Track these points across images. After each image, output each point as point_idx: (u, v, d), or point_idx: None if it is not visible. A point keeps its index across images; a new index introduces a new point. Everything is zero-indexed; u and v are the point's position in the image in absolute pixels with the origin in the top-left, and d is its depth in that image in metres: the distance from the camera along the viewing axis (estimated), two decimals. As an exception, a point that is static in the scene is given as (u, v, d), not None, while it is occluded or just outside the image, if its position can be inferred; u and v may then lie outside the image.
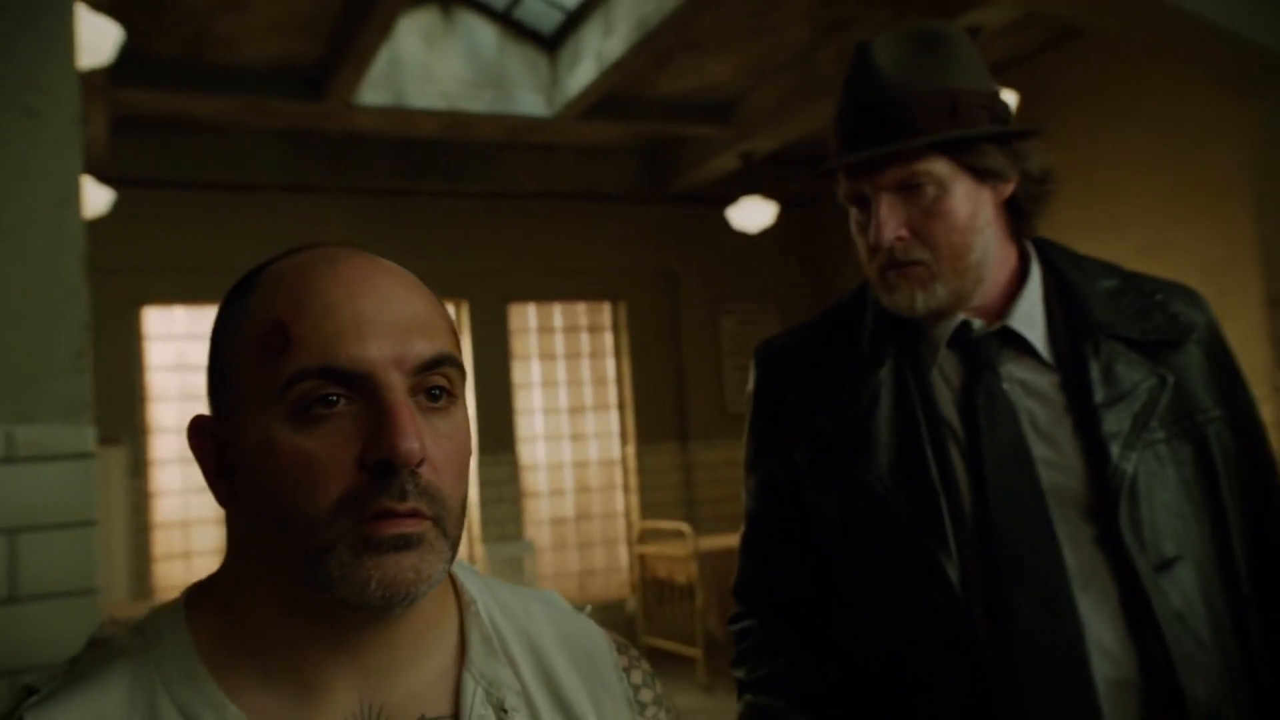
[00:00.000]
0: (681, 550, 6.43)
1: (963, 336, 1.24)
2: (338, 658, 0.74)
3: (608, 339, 8.25)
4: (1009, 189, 1.24)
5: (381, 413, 0.69)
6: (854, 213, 1.27)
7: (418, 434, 0.69)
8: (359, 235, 7.04)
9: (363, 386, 0.70)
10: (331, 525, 0.69)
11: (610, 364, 8.24)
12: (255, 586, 0.75)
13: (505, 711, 0.78)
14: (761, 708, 1.29)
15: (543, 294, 7.84)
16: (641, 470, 8.04)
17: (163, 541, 6.88)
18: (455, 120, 6.50)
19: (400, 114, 6.31)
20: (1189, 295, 1.29)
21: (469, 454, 0.75)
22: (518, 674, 0.81)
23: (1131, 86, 5.71)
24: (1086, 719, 1.11)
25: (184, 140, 6.60)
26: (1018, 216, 1.27)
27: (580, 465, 8.06)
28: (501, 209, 7.51)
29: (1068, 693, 1.12)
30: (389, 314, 0.72)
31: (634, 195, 7.89)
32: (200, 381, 6.95)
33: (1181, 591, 1.15)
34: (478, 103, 6.25)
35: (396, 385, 0.71)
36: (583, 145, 7.52)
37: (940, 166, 1.19)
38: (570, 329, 8.12)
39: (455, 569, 0.83)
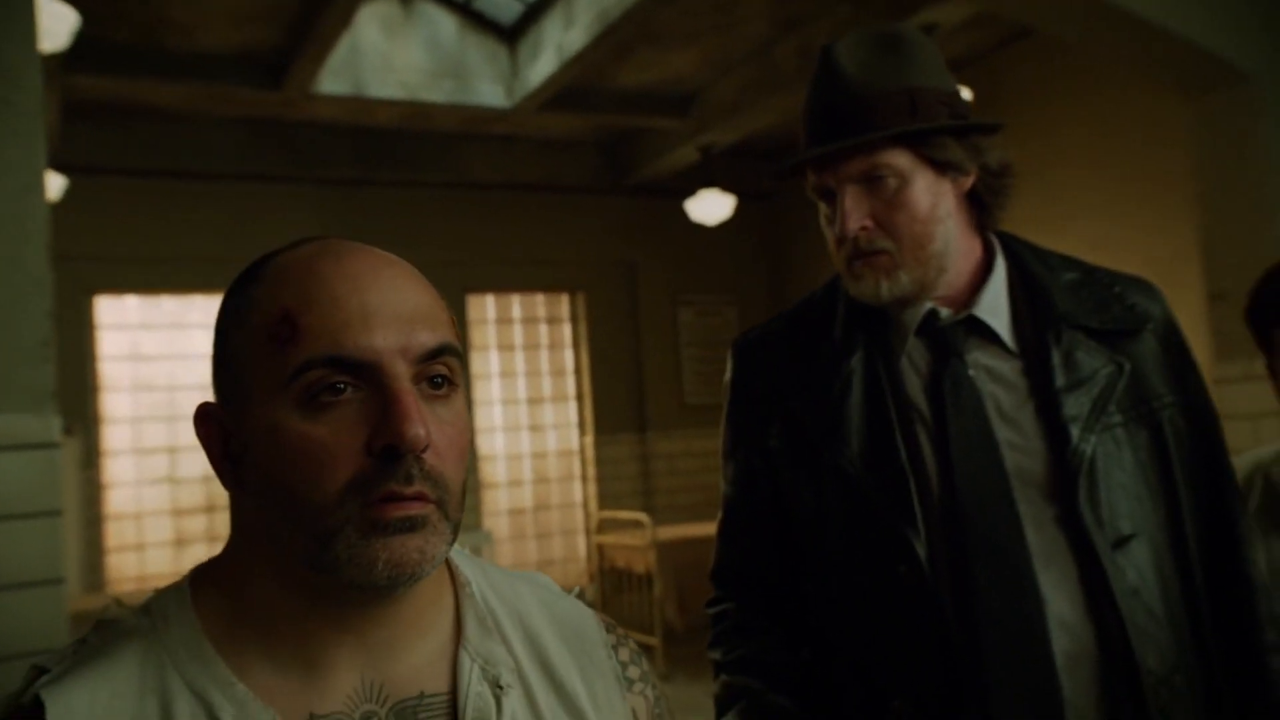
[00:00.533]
0: (639, 540, 6.48)
1: (930, 325, 1.29)
2: (341, 637, 0.76)
3: (566, 330, 8.28)
4: (969, 182, 1.30)
5: (388, 400, 0.72)
6: (822, 207, 1.32)
7: (423, 420, 0.72)
8: (317, 225, 7.01)
9: (369, 375, 0.73)
10: (339, 509, 0.71)
11: (569, 355, 8.27)
12: (260, 568, 0.77)
13: (500, 688, 0.81)
14: (738, 687, 1.32)
15: (501, 285, 7.85)
16: (599, 461, 8.08)
17: (115, 534, 6.81)
18: (414, 110, 6.48)
19: (359, 103, 6.28)
20: (1146, 288, 1.35)
21: (468, 440, 0.78)
22: (511, 652, 0.84)
23: (1081, 86, 5.83)
24: (1046, 690, 1.17)
25: (139, 128, 6.52)
26: (980, 209, 1.33)
27: (539, 456, 8.08)
28: (460, 199, 7.50)
29: (1029, 665, 1.17)
30: (394, 305, 0.75)
31: (593, 187, 7.92)
32: (154, 371, 6.92)
33: (1136, 567, 1.21)
34: (437, 93, 6.25)
35: (401, 374, 0.73)
36: (542, 136, 7.53)
37: (901, 159, 1.24)
38: (529, 320, 8.13)
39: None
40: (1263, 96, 3.74)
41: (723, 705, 1.32)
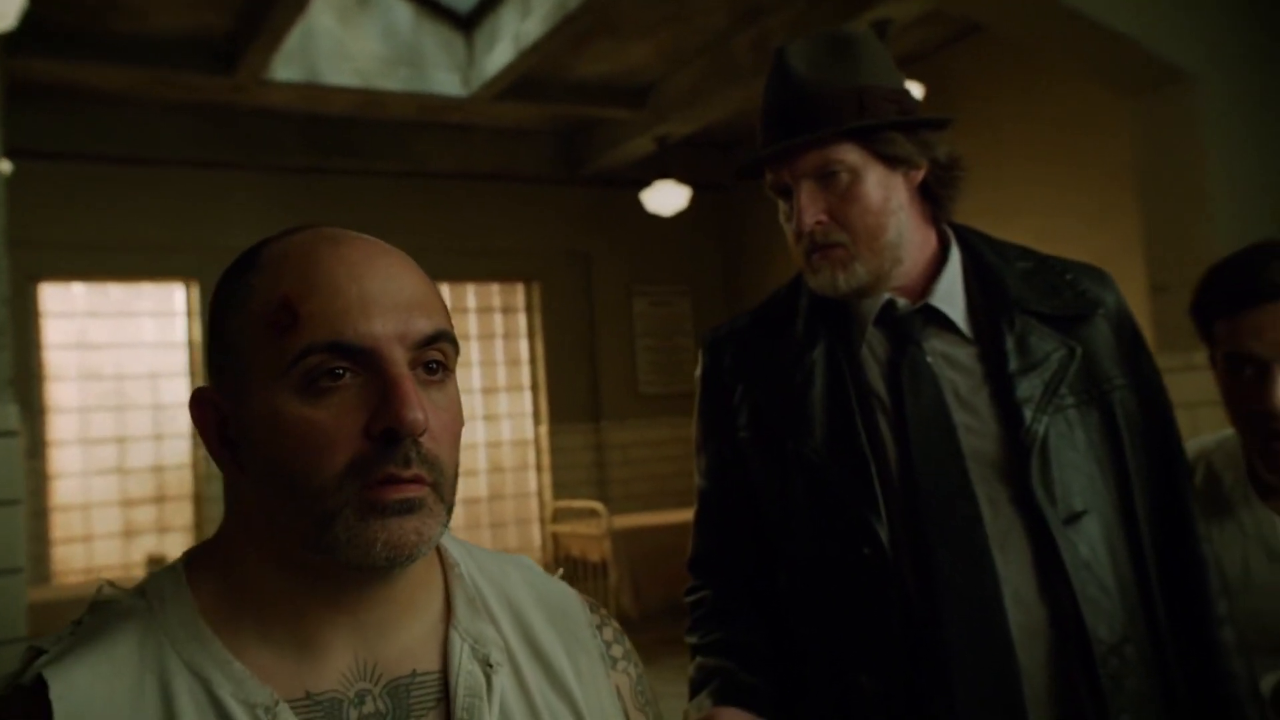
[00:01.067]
0: (595, 529, 6.52)
1: (889, 314, 1.34)
2: (335, 617, 0.78)
3: (521, 320, 8.28)
4: (920, 175, 1.35)
5: (387, 385, 0.74)
6: (780, 203, 1.37)
7: (421, 405, 0.74)
8: (268, 213, 6.94)
9: (368, 361, 0.75)
10: (339, 491, 0.73)
11: (524, 345, 8.27)
12: (256, 549, 0.78)
13: (490, 666, 0.83)
14: (712, 668, 1.36)
15: (456, 274, 7.83)
16: (554, 450, 8.10)
17: (61, 525, 6.70)
18: (369, 98, 6.44)
19: (313, 90, 6.23)
20: (1098, 275, 1.41)
21: (462, 425, 0.80)
22: (500, 631, 0.86)
23: (1029, 82, 5.95)
24: (1003, 664, 1.22)
25: (85, 112, 6.41)
26: (933, 202, 1.38)
27: (493, 445, 8.08)
28: (415, 188, 7.47)
29: (987, 640, 1.22)
30: (392, 293, 0.77)
31: (549, 177, 7.92)
32: (102, 360, 6.81)
33: (1088, 542, 1.26)
34: (392, 81, 6.21)
35: (399, 359, 0.75)
36: (498, 126, 7.52)
37: (852, 155, 1.29)
38: (484, 310, 8.12)
39: None
40: (1200, 96, 3.85)
41: (697, 685, 1.36)
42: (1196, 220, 3.82)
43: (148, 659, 0.74)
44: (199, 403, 0.80)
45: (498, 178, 7.74)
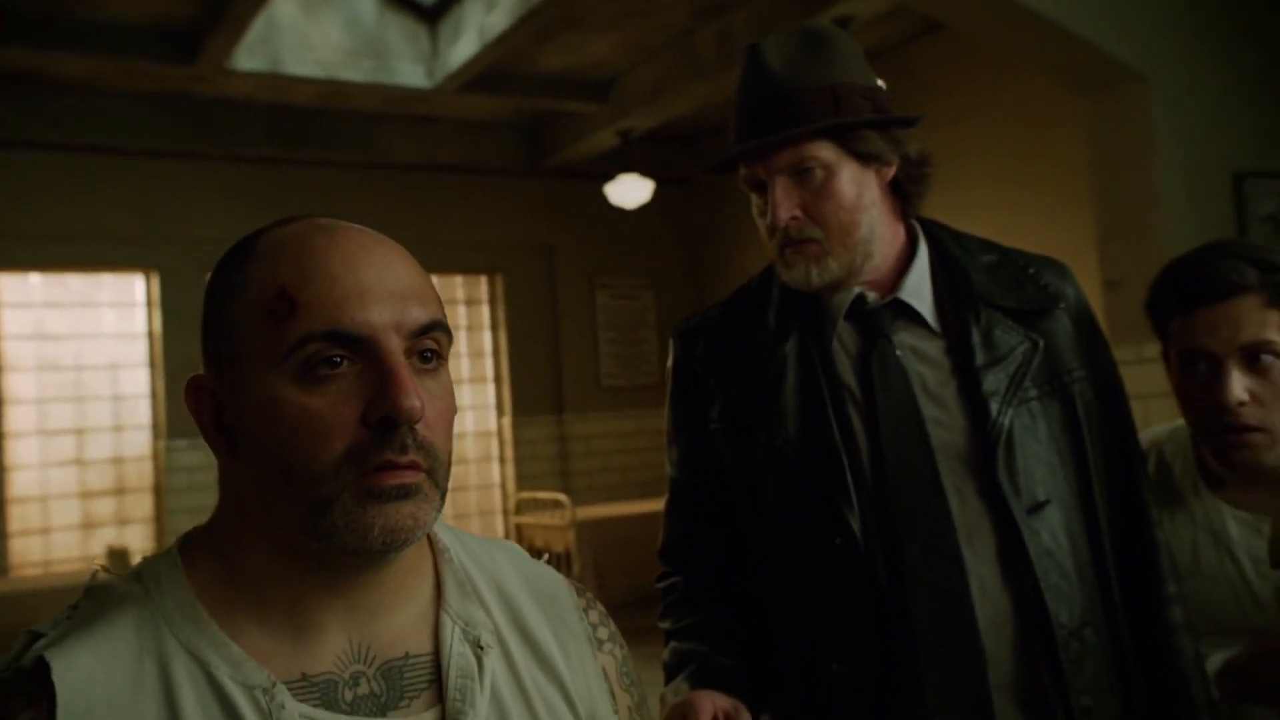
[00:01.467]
0: (559, 520, 6.55)
1: (858, 309, 1.36)
2: (330, 601, 0.79)
3: (485, 312, 8.28)
4: (891, 172, 1.37)
5: (385, 374, 0.75)
6: (754, 199, 1.38)
7: (418, 393, 0.75)
8: (231, 203, 6.90)
9: (365, 349, 0.75)
10: (336, 477, 0.74)
11: (487, 337, 8.27)
12: (252, 535, 0.79)
13: (481, 648, 0.84)
14: (687, 652, 1.37)
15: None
16: (518, 442, 8.11)
17: (19, 517, 6.62)
18: (333, 89, 6.41)
19: (276, 81, 6.18)
20: (1059, 269, 1.44)
21: (455, 412, 0.82)
22: (489, 615, 0.87)
23: (989, 79, 6.05)
24: (970, 652, 1.25)
25: (45, 100, 6.32)
26: (902, 198, 1.40)
27: (457, 437, 8.02)
28: (379, 180, 7.43)
29: (954, 628, 1.26)
30: (388, 282, 0.78)
31: (512, 169, 7.91)
32: (61, 351, 6.73)
33: (1050, 530, 1.30)
34: (356, 72, 6.18)
35: (396, 348, 0.76)
36: (462, 118, 7.50)
37: (826, 151, 1.32)
38: (447, 302, 8.09)
39: None
40: (1152, 95, 3.94)
41: (673, 669, 1.37)
42: (1148, 217, 3.91)
43: (146, 642, 0.75)
44: (195, 390, 0.81)
45: (461, 170, 7.72)
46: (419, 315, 0.78)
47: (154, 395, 7.00)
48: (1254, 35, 4.15)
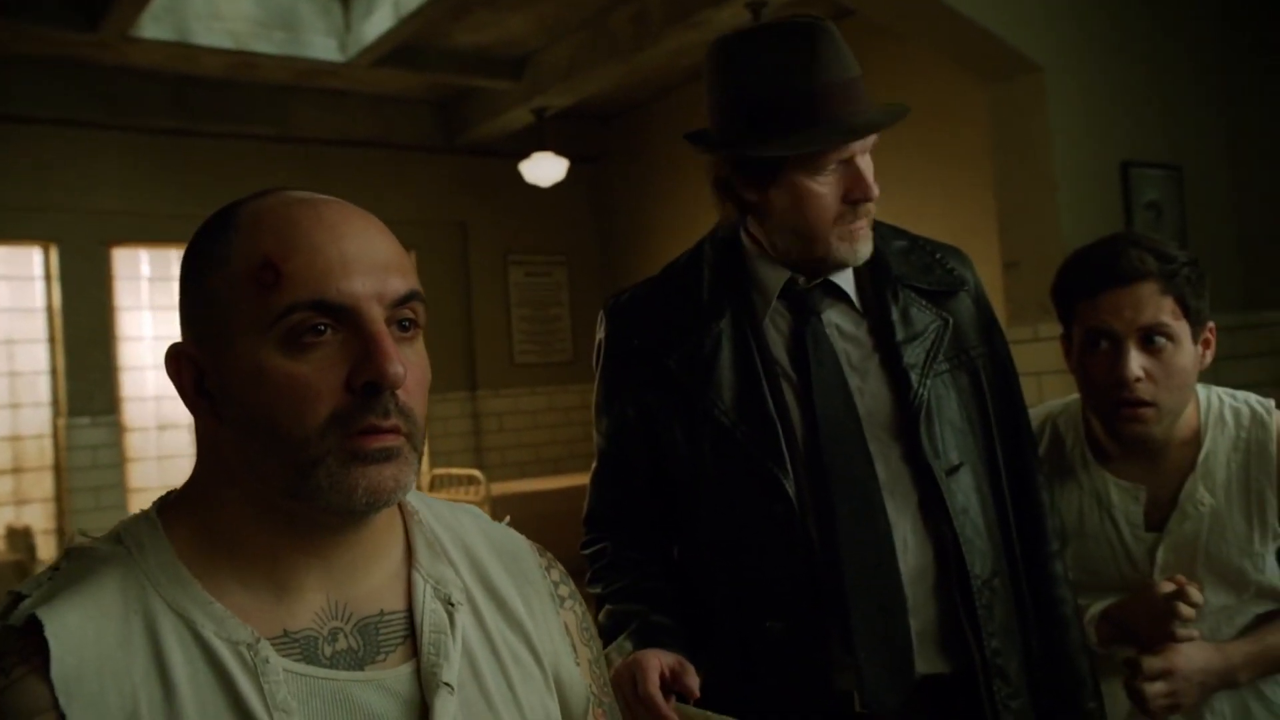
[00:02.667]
0: (474, 496, 6.57)
1: (790, 290, 1.46)
2: (309, 560, 0.82)
3: (397, 288, 8.20)
4: None
5: (368, 341, 0.78)
6: (816, 180, 1.37)
7: (401, 360, 0.79)
8: (135, 175, 6.72)
9: (348, 318, 0.79)
10: (321, 440, 0.77)
11: (399, 313, 8.20)
12: (232, 497, 0.82)
13: (452, 605, 0.88)
14: (624, 613, 1.44)
15: (330, 241, 7.69)
16: (431, 419, 8.06)
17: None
18: (242, 60, 6.26)
19: (183, 50, 6.01)
20: (961, 255, 1.57)
21: (429, 379, 0.86)
22: (458, 573, 0.91)
23: (897, 66, 6.21)
24: (894, 600, 1.37)
25: (-67, 65, 6.07)
26: None
27: (368, 413, 7.99)
28: (289, 154, 7.30)
29: (881, 581, 1.37)
30: (369, 254, 0.81)
31: (426, 145, 7.84)
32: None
33: (964, 491, 1.42)
34: (267, 43, 6.05)
35: (378, 317, 0.79)
36: (375, 93, 7.40)
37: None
38: (359, 277, 8.02)
39: None
40: (1048, 85, 4.11)
41: (611, 631, 1.43)
42: (1044, 202, 4.08)
43: (132, 601, 0.77)
44: (175, 356, 0.83)
45: (374, 145, 7.63)
46: (399, 285, 0.82)
47: (54, 371, 6.80)
48: (1141, 32, 4.36)
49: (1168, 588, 1.49)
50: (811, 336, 1.44)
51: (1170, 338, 1.51)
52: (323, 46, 6.24)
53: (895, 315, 1.46)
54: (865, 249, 1.42)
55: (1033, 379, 3.95)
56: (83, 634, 0.74)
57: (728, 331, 1.45)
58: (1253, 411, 1.58)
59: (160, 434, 7.34)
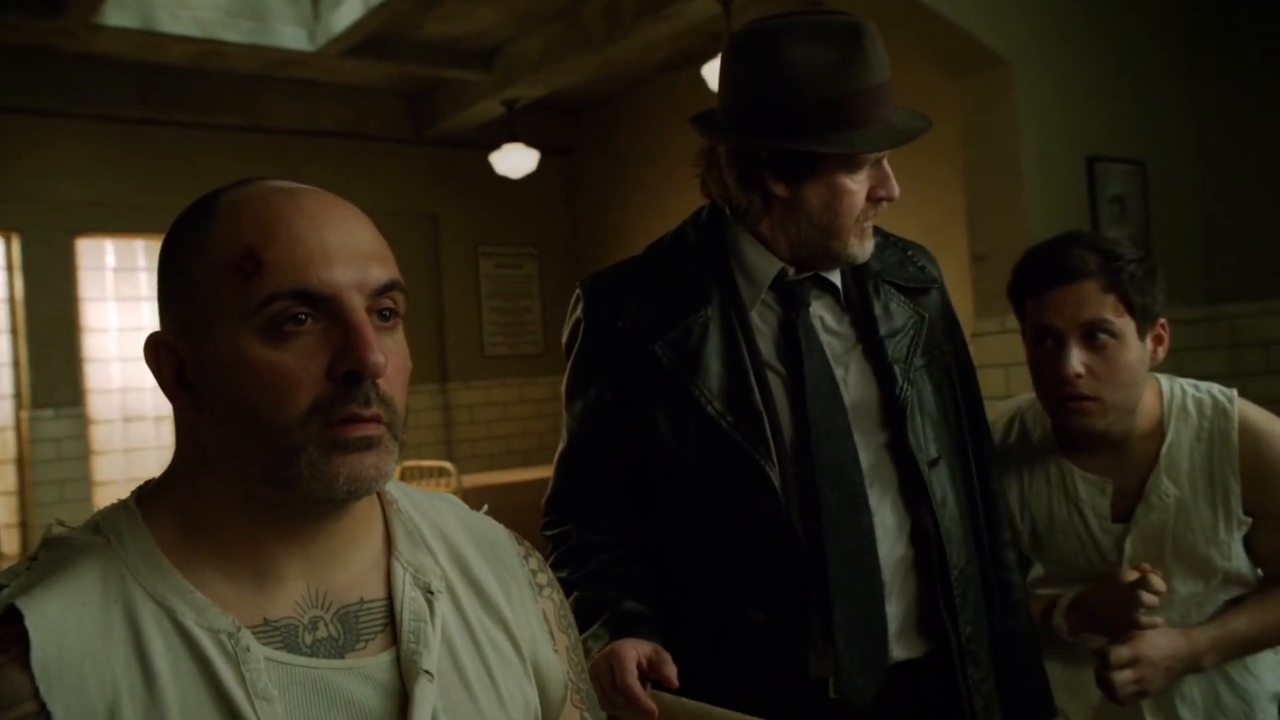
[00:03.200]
0: (445, 488, 6.55)
1: (780, 281, 1.46)
2: (289, 549, 0.82)
3: (367, 280, 8.15)
4: None
5: (350, 330, 0.78)
6: (852, 179, 1.40)
7: (382, 349, 0.79)
8: (100, 164, 6.64)
9: (329, 307, 0.79)
10: (303, 428, 0.77)
11: (369, 305, 8.15)
12: (212, 485, 0.82)
13: (431, 593, 0.88)
14: (595, 600, 1.42)
15: (299, 233, 7.63)
16: (402, 410, 8.04)
17: None
18: (209, 49, 6.19)
19: (148, 38, 5.93)
20: (927, 253, 1.61)
21: (410, 368, 0.86)
22: (437, 561, 0.91)
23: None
24: (874, 589, 1.39)
25: (-108, 51, 5.96)
26: None
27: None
28: (257, 144, 7.24)
29: (863, 570, 1.39)
30: (350, 243, 0.81)
31: (396, 137, 7.80)
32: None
33: (941, 483, 1.45)
34: (234, 32, 5.98)
35: (359, 306, 0.80)
36: (344, 83, 7.35)
37: None
38: (328, 269, 7.96)
39: None
40: (1017, 80, 4.15)
41: (582, 617, 1.39)
42: (1012, 196, 4.12)
43: (112, 591, 0.77)
44: (154, 346, 0.82)
45: (343, 136, 7.58)
46: (380, 275, 0.82)
47: (17, 364, 6.71)
48: (1109, 28, 4.41)
49: (1131, 576, 1.53)
50: (803, 328, 1.45)
51: (1113, 334, 1.54)
52: (291, 36, 6.18)
53: (878, 310, 1.48)
54: (871, 246, 1.45)
55: (999, 371, 3.99)
56: (63, 623, 0.74)
57: (716, 319, 1.44)
58: (1215, 401, 1.61)
59: (126, 426, 7.27)
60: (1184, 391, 1.64)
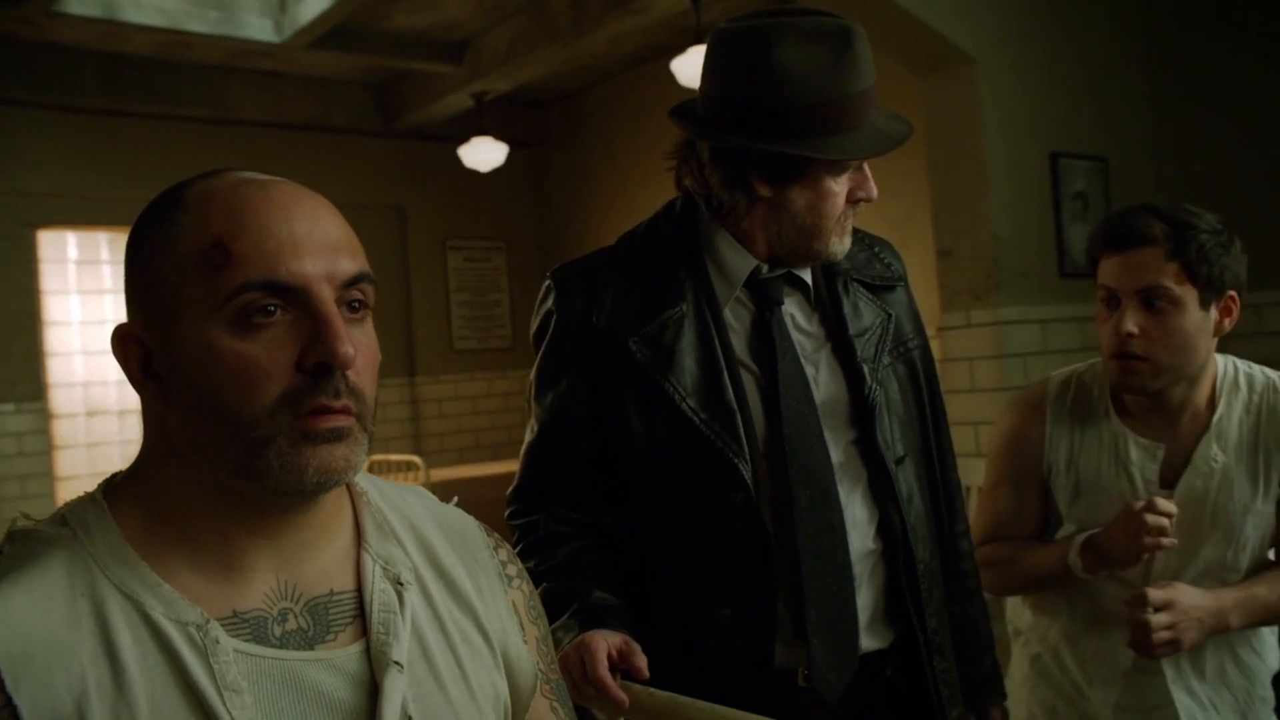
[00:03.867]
0: (413, 482, 6.53)
1: (754, 279, 1.47)
2: (258, 541, 0.83)
3: (334, 273, 8.09)
4: None
5: (319, 322, 0.79)
6: (836, 181, 1.42)
7: (351, 340, 0.79)
8: (60, 155, 6.55)
9: (299, 299, 0.79)
10: (272, 420, 0.78)
11: (336, 298, 8.10)
12: (180, 478, 0.82)
13: (401, 584, 0.89)
14: (564, 591, 1.43)
15: (266, 225, 7.56)
16: (370, 404, 7.99)
17: None
18: (173, 39, 6.11)
19: (111, 27, 5.82)
20: (892, 248, 1.63)
21: (380, 359, 0.86)
22: (407, 553, 0.92)
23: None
24: (845, 584, 1.41)
25: None
26: None
27: (303, 400, 7.89)
28: (222, 136, 7.16)
29: (834, 565, 1.41)
30: (319, 235, 0.81)
31: (364, 129, 7.73)
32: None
33: (908, 480, 1.48)
34: (200, 23, 5.91)
35: (329, 297, 0.80)
36: (311, 75, 7.27)
37: None
38: (294, 262, 7.90)
39: None
40: (981, 77, 4.20)
41: (551, 608, 1.40)
42: (976, 193, 4.17)
43: (79, 584, 0.76)
44: (121, 338, 0.82)
45: (310, 128, 7.50)
46: (349, 266, 0.83)
47: (-24, 358, 6.62)
48: (1071, 25, 4.46)
49: (1139, 505, 1.57)
50: (778, 325, 1.46)
51: (1171, 300, 1.59)
52: (257, 27, 6.12)
53: (847, 309, 1.50)
54: (849, 244, 1.47)
55: (964, 364, 4.04)
56: (29, 617, 0.74)
57: (690, 316, 1.44)
58: (1266, 378, 1.70)
59: (89, 420, 7.18)
60: (1236, 368, 1.71)
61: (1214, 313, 1.63)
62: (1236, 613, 1.59)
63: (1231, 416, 1.66)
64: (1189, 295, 1.59)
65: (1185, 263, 1.58)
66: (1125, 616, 1.59)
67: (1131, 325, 1.59)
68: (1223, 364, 1.70)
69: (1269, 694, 1.69)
